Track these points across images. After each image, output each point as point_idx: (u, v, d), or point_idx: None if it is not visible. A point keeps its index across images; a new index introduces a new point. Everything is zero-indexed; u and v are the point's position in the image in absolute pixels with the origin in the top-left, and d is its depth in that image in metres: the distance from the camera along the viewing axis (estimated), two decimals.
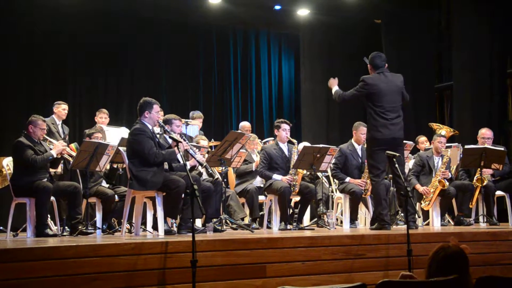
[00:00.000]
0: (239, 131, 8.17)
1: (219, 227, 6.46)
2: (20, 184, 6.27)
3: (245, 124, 9.25)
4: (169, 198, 5.92)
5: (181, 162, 6.22)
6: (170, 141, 6.19)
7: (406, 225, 5.23)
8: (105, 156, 6.61)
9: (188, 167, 6.33)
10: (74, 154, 6.72)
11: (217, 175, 6.81)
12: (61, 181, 6.86)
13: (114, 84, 11.21)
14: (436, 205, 7.61)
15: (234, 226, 7.04)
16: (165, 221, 6.08)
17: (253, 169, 7.73)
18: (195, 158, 6.34)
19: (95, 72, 11.02)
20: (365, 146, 7.75)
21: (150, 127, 6.09)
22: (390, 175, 7.07)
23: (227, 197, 7.07)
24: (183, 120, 7.27)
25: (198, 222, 7.05)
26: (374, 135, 6.40)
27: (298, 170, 7.18)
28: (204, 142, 7.78)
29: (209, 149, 7.88)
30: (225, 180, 7.09)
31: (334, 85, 6.82)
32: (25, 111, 8.87)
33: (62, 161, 6.88)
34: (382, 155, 6.28)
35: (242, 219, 7.58)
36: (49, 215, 6.61)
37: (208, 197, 6.41)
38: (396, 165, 5.59)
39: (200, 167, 6.70)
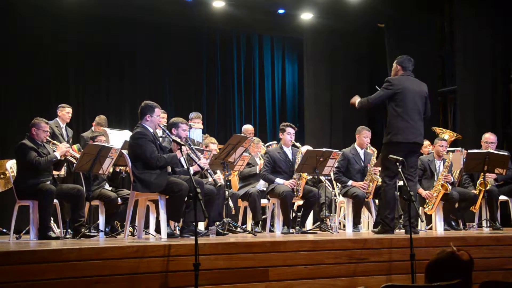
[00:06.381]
0: (242, 134, 8.17)
1: (222, 231, 6.46)
2: (24, 187, 6.28)
3: (248, 127, 9.25)
4: (172, 201, 5.92)
5: (185, 166, 6.22)
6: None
7: (409, 229, 5.22)
8: (108, 159, 6.61)
9: (192, 172, 6.33)
10: (77, 155, 6.73)
11: (220, 183, 6.70)
12: (64, 183, 6.86)
13: (117, 87, 11.22)
14: (439, 210, 7.60)
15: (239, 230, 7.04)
16: (168, 224, 6.08)
17: (257, 171, 7.73)
18: (196, 163, 6.33)
19: (98, 75, 11.05)
20: (368, 149, 7.78)
21: (151, 130, 6.10)
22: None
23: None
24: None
25: (201, 226, 7.04)
26: (395, 138, 6.23)
27: (302, 175, 7.18)
28: (213, 145, 7.76)
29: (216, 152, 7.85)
30: (228, 183, 7.08)
31: (356, 99, 6.58)
32: (28, 114, 8.89)
33: (65, 164, 6.89)
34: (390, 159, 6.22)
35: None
36: (52, 218, 6.62)
37: (211, 200, 6.40)
38: (400, 169, 5.58)
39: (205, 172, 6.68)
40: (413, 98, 6.29)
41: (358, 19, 11.53)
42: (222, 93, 12.35)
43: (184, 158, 6.01)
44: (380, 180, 6.83)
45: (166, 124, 7.79)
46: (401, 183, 7.66)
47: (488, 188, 7.57)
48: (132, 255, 4.50)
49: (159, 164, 5.92)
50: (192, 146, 6.41)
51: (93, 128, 8.54)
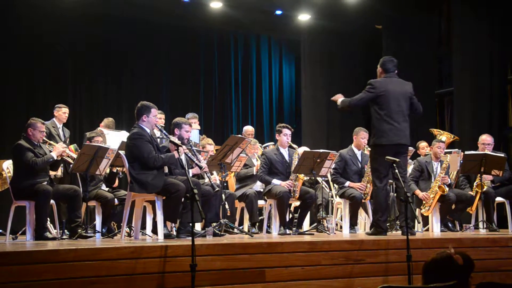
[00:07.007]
0: (240, 135, 8.17)
1: (219, 232, 6.45)
2: (20, 187, 6.26)
3: (248, 128, 9.28)
4: (169, 202, 5.92)
5: (185, 167, 6.21)
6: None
7: (405, 231, 5.22)
8: (105, 160, 6.60)
9: (190, 175, 6.32)
10: (74, 156, 6.72)
11: (217, 188, 6.58)
12: (61, 184, 6.85)
13: (114, 88, 11.22)
14: (436, 211, 7.61)
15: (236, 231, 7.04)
16: (165, 225, 6.08)
17: (254, 173, 7.73)
18: (194, 162, 6.32)
19: (96, 75, 11.04)
20: (365, 151, 7.78)
21: (148, 131, 6.09)
22: (390, 181, 7.04)
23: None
24: None
25: (198, 226, 7.04)
26: (379, 141, 6.27)
27: (299, 176, 7.17)
28: (210, 146, 7.75)
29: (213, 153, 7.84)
30: (225, 184, 7.07)
31: (339, 97, 6.61)
32: (25, 114, 8.88)
33: (62, 164, 6.88)
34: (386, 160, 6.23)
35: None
36: (48, 218, 6.61)
37: (208, 201, 6.40)
38: (396, 170, 5.58)
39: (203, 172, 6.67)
40: (397, 100, 6.29)
41: (355, 20, 11.54)
42: (220, 94, 12.36)
43: (181, 159, 5.99)
44: None
45: (164, 125, 7.79)
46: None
47: (484, 189, 7.58)
48: (128, 255, 4.49)
49: (156, 164, 5.91)
50: (193, 148, 6.39)
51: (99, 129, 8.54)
